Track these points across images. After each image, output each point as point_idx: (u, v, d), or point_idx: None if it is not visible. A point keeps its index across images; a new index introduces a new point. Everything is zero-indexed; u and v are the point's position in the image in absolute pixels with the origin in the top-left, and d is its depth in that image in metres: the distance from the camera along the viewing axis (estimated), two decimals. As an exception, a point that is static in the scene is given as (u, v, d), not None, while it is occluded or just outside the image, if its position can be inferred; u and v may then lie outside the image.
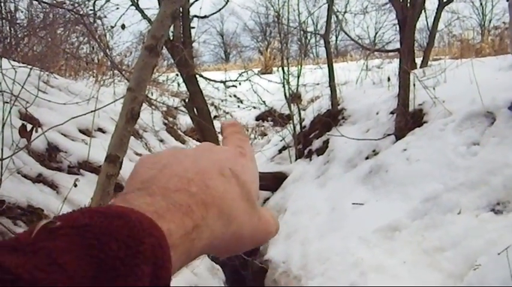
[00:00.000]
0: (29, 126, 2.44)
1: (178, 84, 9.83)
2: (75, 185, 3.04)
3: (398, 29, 5.83)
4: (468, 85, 5.22)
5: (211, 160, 0.53)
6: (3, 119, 2.53)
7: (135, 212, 0.40)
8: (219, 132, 7.54)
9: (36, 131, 2.58)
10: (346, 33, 8.28)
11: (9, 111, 2.54)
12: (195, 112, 6.30)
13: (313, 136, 7.05)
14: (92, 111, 2.79)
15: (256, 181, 0.57)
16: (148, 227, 0.39)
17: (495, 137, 4.25)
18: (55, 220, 0.37)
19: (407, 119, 5.29)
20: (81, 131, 5.12)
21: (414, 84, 5.52)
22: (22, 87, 2.81)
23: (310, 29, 8.82)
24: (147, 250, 0.37)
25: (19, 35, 9.21)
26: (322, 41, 7.71)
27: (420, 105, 5.47)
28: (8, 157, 2.47)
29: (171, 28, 5.35)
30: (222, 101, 12.11)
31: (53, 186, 3.85)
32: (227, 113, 12.34)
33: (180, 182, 0.48)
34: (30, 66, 3.77)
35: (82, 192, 3.86)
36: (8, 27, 9.24)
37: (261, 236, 0.56)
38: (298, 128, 7.39)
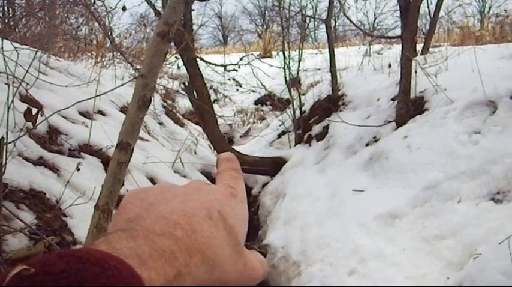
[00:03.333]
0: (34, 110, 2.42)
1: (178, 67, 9.79)
2: (78, 169, 3.03)
3: (399, 15, 5.80)
4: (470, 73, 5.22)
5: (200, 201, 0.52)
6: (7, 101, 2.51)
7: (115, 259, 0.38)
8: (219, 116, 7.54)
9: (42, 115, 2.57)
10: (348, 18, 8.25)
11: (14, 95, 2.53)
12: (195, 95, 6.28)
13: (312, 121, 7.04)
14: (95, 97, 2.78)
15: (244, 224, 0.56)
16: (127, 276, 0.38)
17: (496, 126, 4.25)
18: (30, 266, 0.35)
19: (409, 106, 5.28)
20: (81, 113, 5.10)
21: (416, 71, 5.50)
22: (27, 71, 2.79)
23: (310, 13, 8.75)
24: None
25: (17, 15, 9.16)
26: (322, 26, 7.68)
27: (422, 93, 5.46)
28: (13, 141, 2.46)
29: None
30: (221, 84, 12.09)
31: (54, 169, 3.85)
32: (226, 96, 12.31)
33: (165, 224, 0.47)
34: (32, 48, 3.74)
35: (83, 175, 3.85)
36: (6, 7, 9.17)
37: (247, 282, 0.55)
38: (298, 113, 7.37)
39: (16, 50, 3.29)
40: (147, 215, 0.49)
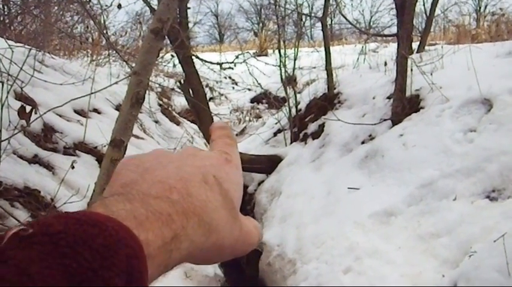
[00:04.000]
0: (27, 108, 2.41)
1: (174, 65, 9.78)
2: (73, 167, 3.02)
3: (396, 13, 5.81)
4: (465, 71, 5.22)
5: (195, 166, 0.52)
6: (1, 99, 2.50)
7: (112, 220, 0.38)
8: (214, 115, 7.53)
9: (36, 113, 2.56)
10: (344, 16, 8.26)
11: (8, 92, 2.52)
12: (191, 93, 6.27)
13: (308, 120, 7.04)
14: (90, 94, 2.77)
15: (239, 190, 0.55)
16: (124, 236, 0.37)
17: (492, 124, 4.26)
18: (28, 226, 0.35)
19: (404, 105, 5.28)
20: (76, 111, 5.09)
21: (411, 70, 5.50)
22: (21, 69, 2.78)
23: (306, 11, 8.76)
24: (122, 262, 0.36)
25: (13, 13, 9.12)
26: (318, 24, 7.68)
27: (417, 91, 5.46)
28: (7, 139, 2.45)
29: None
30: (217, 82, 12.07)
31: (49, 167, 3.84)
32: (222, 94, 12.30)
33: (161, 188, 0.47)
34: (27, 46, 3.73)
35: (78, 173, 3.85)
36: (1, 5, 9.14)
37: (242, 248, 0.55)
38: (293, 111, 7.37)
39: (10, 48, 3.28)
40: (143, 180, 0.48)
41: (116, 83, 2.85)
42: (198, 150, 0.58)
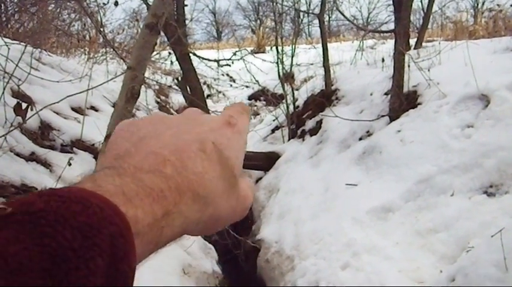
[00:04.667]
0: (23, 105, 2.40)
1: (172, 63, 9.76)
2: (70, 164, 3.02)
3: (393, 9, 5.80)
4: (463, 67, 5.22)
5: (193, 133, 0.50)
6: (-3, 96, 2.49)
7: (97, 197, 0.37)
8: (213, 112, 7.52)
9: (32, 110, 2.55)
10: (342, 13, 8.24)
11: (4, 89, 2.51)
12: (188, 91, 6.26)
13: (306, 116, 7.04)
14: (86, 90, 2.76)
15: (240, 156, 0.53)
16: (109, 214, 0.36)
17: (489, 120, 4.25)
18: (8, 205, 0.34)
19: (402, 101, 5.28)
20: (73, 109, 5.09)
21: (409, 66, 5.50)
22: (16, 65, 2.77)
23: (303, 8, 8.73)
24: (105, 241, 0.34)
25: (10, 11, 9.11)
26: (315, 21, 7.67)
27: (414, 87, 5.46)
28: (2, 136, 2.44)
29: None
30: (214, 79, 12.06)
31: (46, 164, 3.83)
32: (219, 92, 12.29)
33: (154, 161, 0.45)
34: (23, 43, 3.72)
35: (75, 170, 3.84)
36: (-2, 3, 9.12)
37: (239, 214, 0.53)
38: (291, 108, 7.37)
39: (7, 45, 3.27)
40: (136, 151, 0.47)
41: (113, 79, 2.85)
42: (200, 113, 0.56)
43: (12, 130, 2.78)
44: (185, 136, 0.49)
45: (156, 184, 0.43)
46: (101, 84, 3.14)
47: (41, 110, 2.78)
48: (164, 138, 0.48)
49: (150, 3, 5.23)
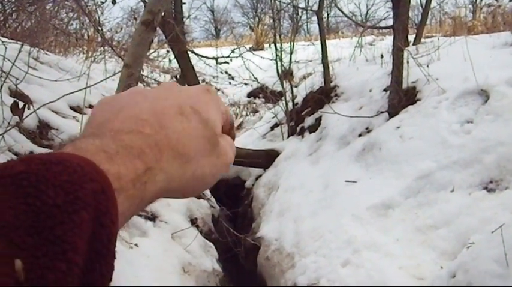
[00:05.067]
0: (20, 104, 2.39)
1: (170, 61, 9.76)
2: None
3: (392, 5, 5.79)
4: (462, 63, 5.21)
5: (171, 99, 0.51)
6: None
7: (77, 157, 0.38)
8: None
9: (29, 109, 2.54)
10: (340, 9, 8.23)
11: (1, 88, 2.50)
12: (187, 89, 6.25)
13: (305, 113, 7.03)
14: (84, 88, 2.75)
15: (220, 118, 0.55)
16: (89, 171, 0.37)
17: (489, 115, 4.25)
18: None
19: (401, 97, 5.27)
20: (72, 108, 5.07)
21: (408, 62, 5.49)
22: (13, 64, 2.76)
23: (302, 5, 8.73)
24: (87, 196, 0.35)
25: (7, 10, 9.08)
26: (314, 18, 7.65)
27: (414, 83, 5.45)
28: (0, 135, 2.43)
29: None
30: (213, 77, 12.05)
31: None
32: (218, 89, 12.28)
33: (133, 123, 0.46)
34: (20, 43, 3.71)
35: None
36: (-5, 2, 9.09)
37: (221, 171, 0.54)
38: (290, 105, 7.36)
39: (4, 44, 3.26)
40: (116, 118, 0.47)
41: (111, 77, 2.84)
42: (176, 84, 0.57)
43: (9, 129, 2.77)
44: (163, 102, 0.50)
45: (136, 142, 0.44)
46: (99, 82, 3.13)
47: (39, 109, 2.77)
48: (142, 106, 0.49)
49: (147, 1, 5.22)
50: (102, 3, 7.41)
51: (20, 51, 3.21)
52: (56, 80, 3.94)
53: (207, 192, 6.10)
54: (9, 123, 3.06)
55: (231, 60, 7.78)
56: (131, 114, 0.48)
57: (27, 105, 2.44)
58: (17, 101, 2.41)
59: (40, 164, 0.35)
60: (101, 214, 0.36)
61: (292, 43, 7.72)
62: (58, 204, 0.33)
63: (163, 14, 6.10)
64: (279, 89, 8.30)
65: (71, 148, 0.41)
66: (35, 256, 0.31)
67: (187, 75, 6.24)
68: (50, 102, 2.72)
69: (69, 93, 2.66)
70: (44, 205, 0.33)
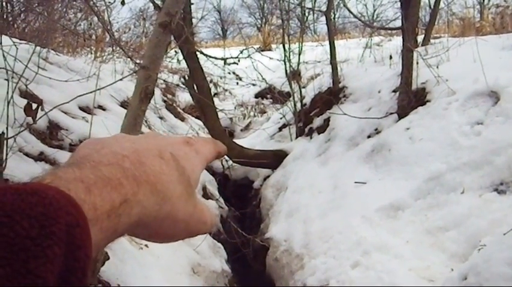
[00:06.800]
0: (34, 105, 2.40)
1: (178, 61, 9.77)
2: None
3: (400, 6, 5.78)
4: (471, 64, 5.19)
5: (152, 144, 0.52)
6: (6, 97, 2.49)
7: (53, 189, 0.38)
8: (219, 110, 7.52)
9: (42, 110, 2.55)
10: (349, 10, 8.23)
11: (13, 90, 2.51)
12: (195, 89, 6.25)
13: (313, 114, 7.02)
14: (95, 91, 2.76)
15: (196, 172, 0.55)
16: (65, 204, 0.37)
17: (499, 117, 4.23)
18: None
19: (410, 98, 5.25)
20: (81, 108, 5.09)
21: (417, 63, 5.48)
22: (26, 66, 2.77)
23: (309, 5, 8.72)
24: (62, 230, 0.35)
25: (16, 11, 9.12)
26: (321, 18, 7.64)
27: (423, 84, 5.43)
28: (13, 136, 2.44)
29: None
30: (221, 78, 12.05)
31: (54, 164, 3.83)
32: (226, 90, 12.29)
33: (114, 157, 0.47)
34: (31, 43, 3.72)
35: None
36: (4, 3, 9.12)
37: (196, 225, 0.54)
38: (298, 105, 7.35)
39: (15, 45, 3.27)
40: (98, 153, 0.48)
41: (121, 79, 2.84)
42: (160, 134, 0.58)
43: (22, 131, 2.77)
44: (144, 145, 0.51)
45: (114, 174, 0.44)
46: (111, 84, 3.13)
47: (51, 110, 2.78)
48: (125, 144, 0.50)
49: (157, 2, 5.23)
50: (111, 3, 7.42)
51: (33, 53, 3.22)
52: (66, 81, 3.95)
53: (216, 192, 6.11)
54: (21, 124, 3.07)
55: (239, 60, 7.79)
56: (112, 150, 0.48)
57: (40, 107, 2.45)
58: (30, 102, 2.42)
59: (15, 194, 0.35)
60: (76, 248, 0.36)
61: (300, 44, 7.72)
62: (32, 237, 0.33)
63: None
64: (287, 89, 8.31)
65: (50, 176, 0.41)
66: None
67: (196, 76, 6.23)
68: (63, 104, 2.73)
69: (81, 95, 2.67)
70: (18, 236, 0.33)
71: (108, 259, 2.52)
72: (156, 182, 0.47)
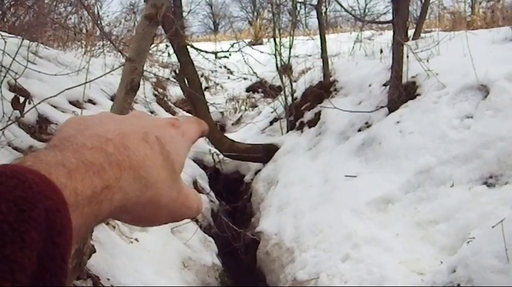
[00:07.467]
0: (21, 99, 2.38)
1: (169, 55, 9.74)
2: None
3: (391, 0, 5.78)
4: (461, 58, 5.19)
5: (138, 126, 0.51)
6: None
7: (33, 172, 0.37)
8: (210, 104, 7.51)
9: (29, 103, 2.54)
10: (340, 4, 8.21)
11: (1, 83, 2.49)
12: (186, 83, 6.24)
13: (304, 108, 7.02)
14: (84, 83, 2.74)
15: (181, 155, 0.54)
16: (45, 189, 0.36)
17: (488, 110, 4.24)
18: None
19: (401, 92, 5.26)
20: (71, 102, 5.06)
21: (408, 56, 5.48)
22: (13, 59, 2.75)
23: (301, -1, 8.72)
24: (40, 215, 0.35)
25: (5, 5, 9.05)
26: (313, 12, 7.63)
27: (413, 78, 5.44)
28: (0, 130, 2.42)
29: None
30: (212, 72, 12.03)
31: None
32: (217, 84, 12.27)
33: (97, 141, 0.46)
34: (19, 37, 3.69)
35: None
36: (-7, -3, 9.06)
37: (180, 210, 0.54)
38: (289, 99, 7.35)
39: (3, 39, 3.25)
40: (81, 135, 0.47)
41: (110, 72, 2.83)
42: (146, 114, 0.57)
43: (10, 124, 2.76)
44: (129, 127, 0.50)
45: (97, 159, 0.44)
46: (99, 77, 3.11)
47: (39, 103, 2.76)
48: (108, 126, 0.49)
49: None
50: (101, -3, 7.38)
51: (20, 46, 3.19)
52: (55, 75, 3.93)
53: (207, 186, 6.11)
54: (9, 118, 3.05)
55: (230, 54, 7.78)
56: (96, 132, 0.47)
57: (27, 100, 2.44)
58: (18, 95, 2.40)
59: None
60: (55, 233, 0.35)
61: (291, 37, 7.71)
62: (10, 221, 0.33)
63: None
64: (278, 83, 8.30)
65: (31, 159, 0.40)
66: None
67: (186, 70, 6.21)
68: (51, 97, 2.71)
69: (69, 88, 2.65)
70: None
71: (95, 251, 2.51)
72: (139, 167, 0.47)
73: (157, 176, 0.49)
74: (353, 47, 8.54)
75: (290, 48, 7.65)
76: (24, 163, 0.39)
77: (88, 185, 0.41)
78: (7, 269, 0.32)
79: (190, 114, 7.85)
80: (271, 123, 7.84)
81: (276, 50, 7.53)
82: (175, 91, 10.32)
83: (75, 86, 2.85)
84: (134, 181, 0.46)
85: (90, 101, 5.50)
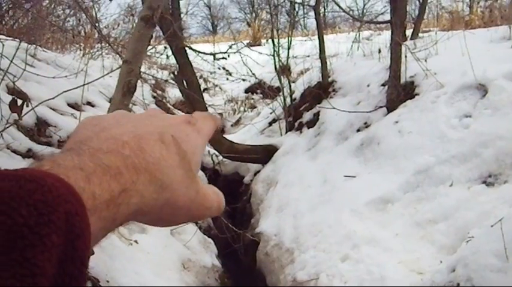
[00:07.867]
0: (19, 101, 2.38)
1: (167, 57, 9.73)
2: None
3: (389, 0, 5.78)
4: (460, 57, 5.20)
5: (153, 125, 0.51)
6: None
7: (52, 176, 0.37)
8: (209, 105, 7.50)
9: (27, 106, 2.53)
10: (338, 4, 8.21)
11: (-1, 86, 2.49)
12: (185, 85, 6.24)
13: (303, 109, 7.02)
14: (82, 85, 2.74)
15: (198, 154, 0.55)
16: (64, 192, 0.36)
17: (487, 109, 4.25)
18: None
19: (399, 91, 5.27)
20: (70, 105, 5.06)
21: (406, 56, 5.48)
22: (11, 61, 2.75)
23: (299, 0, 8.71)
24: (60, 218, 0.35)
25: (4, 7, 9.05)
26: (311, 13, 7.64)
27: (412, 78, 5.44)
28: (-2, 133, 2.43)
29: None
30: (211, 73, 12.02)
31: (43, 161, 3.81)
32: (216, 85, 12.26)
33: (113, 144, 0.46)
34: (18, 40, 3.69)
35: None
36: (-9, 0, 9.06)
37: (198, 210, 0.53)
38: (288, 100, 7.34)
39: (1, 42, 3.25)
40: (97, 137, 0.47)
41: (109, 74, 2.83)
42: (161, 112, 0.57)
43: (8, 127, 2.76)
44: (145, 128, 0.50)
45: (114, 162, 0.44)
46: (97, 79, 3.12)
47: (37, 106, 2.76)
48: (124, 128, 0.50)
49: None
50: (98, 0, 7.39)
51: (18, 49, 3.19)
52: (53, 77, 3.93)
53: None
54: (7, 121, 3.05)
55: (228, 55, 7.77)
56: (112, 134, 0.48)
57: (25, 103, 2.43)
58: (16, 98, 2.40)
59: (13, 181, 0.35)
60: (75, 237, 0.35)
61: (289, 38, 7.71)
62: (30, 225, 0.33)
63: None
64: (277, 84, 8.29)
65: (49, 163, 0.40)
66: (1, 276, 0.31)
67: (185, 71, 6.21)
68: (49, 99, 2.71)
69: (67, 90, 2.65)
70: (15, 224, 0.32)
71: (93, 253, 2.50)
72: (156, 169, 0.47)
73: (174, 177, 0.49)
74: (351, 47, 8.53)
75: (288, 49, 7.65)
76: (42, 167, 0.39)
77: (106, 189, 0.41)
78: (28, 272, 0.32)
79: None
80: (270, 124, 7.84)
81: (274, 51, 7.53)
82: (174, 93, 10.31)
83: (73, 88, 2.85)
84: (150, 184, 0.46)
85: (89, 104, 5.50)
